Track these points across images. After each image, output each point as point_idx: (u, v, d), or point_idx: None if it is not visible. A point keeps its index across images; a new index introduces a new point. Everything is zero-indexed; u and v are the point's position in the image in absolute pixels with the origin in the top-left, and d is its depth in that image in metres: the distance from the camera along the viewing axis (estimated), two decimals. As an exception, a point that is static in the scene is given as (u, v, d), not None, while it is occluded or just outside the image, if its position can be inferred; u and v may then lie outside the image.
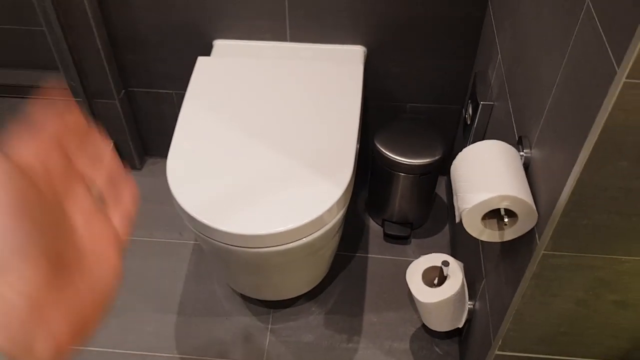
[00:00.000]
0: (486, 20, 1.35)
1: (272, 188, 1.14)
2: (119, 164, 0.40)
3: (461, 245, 1.51)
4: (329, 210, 1.12)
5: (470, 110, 1.29)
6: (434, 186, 1.58)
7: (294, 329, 1.47)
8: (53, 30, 1.45)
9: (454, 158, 0.99)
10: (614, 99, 0.65)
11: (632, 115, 0.66)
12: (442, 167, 1.53)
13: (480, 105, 1.21)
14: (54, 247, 0.32)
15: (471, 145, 0.95)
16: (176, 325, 1.49)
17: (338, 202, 1.13)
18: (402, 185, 1.51)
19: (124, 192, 0.39)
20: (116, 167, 0.39)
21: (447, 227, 1.68)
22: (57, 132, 0.36)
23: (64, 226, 0.34)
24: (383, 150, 1.46)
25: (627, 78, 0.63)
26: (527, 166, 0.93)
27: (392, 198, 1.56)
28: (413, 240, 1.65)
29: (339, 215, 1.17)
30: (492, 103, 1.20)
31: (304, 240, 1.13)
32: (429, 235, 1.67)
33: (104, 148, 0.39)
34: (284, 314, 1.50)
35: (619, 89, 0.64)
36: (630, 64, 0.61)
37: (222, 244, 1.11)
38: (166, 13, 1.46)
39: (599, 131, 0.68)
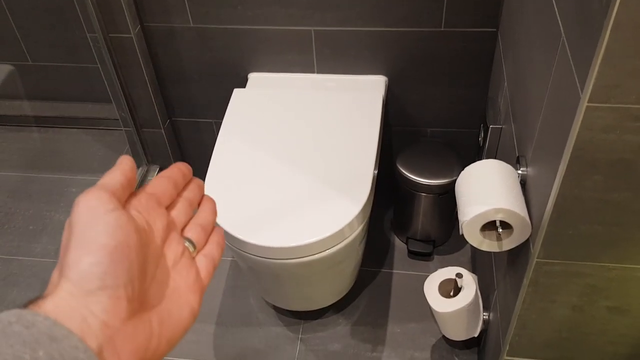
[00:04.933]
0: (496, 51, 1.45)
1: (298, 206, 1.26)
2: (214, 215, 0.46)
3: (479, 260, 1.59)
4: (349, 225, 1.23)
5: (482, 134, 1.39)
6: (453, 205, 1.67)
7: (323, 339, 1.57)
8: (106, 68, 1.62)
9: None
10: (580, 120, 0.75)
11: (597, 134, 0.75)
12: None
13: (490, 129, 1.31)
14: (139, 290, 0.35)
15: (472, 165, 1.06)
16: (215, 335, 1.61)
17: (357, 217, 1.24)
18: (423, 205, 1.61)
19: (213, 240, 0.45)
20: (210, 217, 0.46)
21: (468, 244, 1.76)
22: (173, 174, 0.44)
23: (153, 272, 0.38)
24: (404, 172, 1.56)
25: (588, 102, 0.73)
26: (524, 183, 1.03)
27: (415, 217, 1.66)
28: (436, 257, 1.74)
29: (359, 229, 1.28)
30: (500, 126, 1.30)
31: (327, 252, 1.24)
32: (451, 252, 1.75)
33: (204, 198, 0.47)
34: (313, 325, 1.61)
35: (583, 112, 0.74)
36: (590, 90, 0.71)
37: (253, 256, 1.24)
38: (206, 51, 1.61)
39: (571, 149, 0.78)
